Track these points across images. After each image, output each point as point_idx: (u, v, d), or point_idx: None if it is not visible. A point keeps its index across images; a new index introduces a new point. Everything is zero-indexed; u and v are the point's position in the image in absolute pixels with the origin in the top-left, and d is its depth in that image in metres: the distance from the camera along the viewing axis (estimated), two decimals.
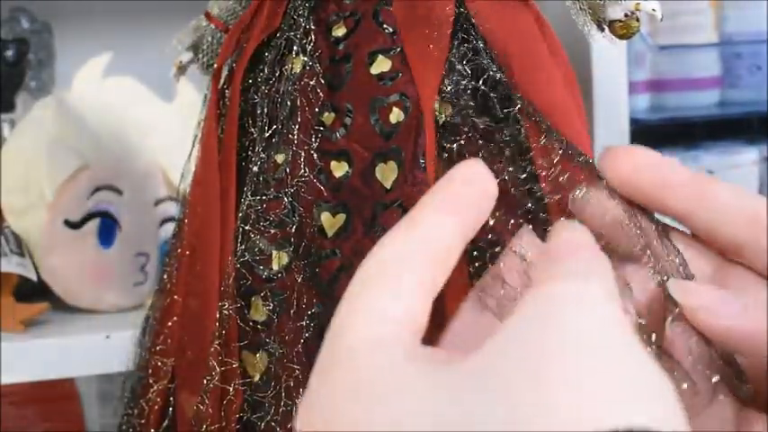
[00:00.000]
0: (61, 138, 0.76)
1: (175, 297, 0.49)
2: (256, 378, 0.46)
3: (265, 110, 0.48)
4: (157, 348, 0.49)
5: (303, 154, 0.46)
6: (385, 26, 0.47)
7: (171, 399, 0.49)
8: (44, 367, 0.72)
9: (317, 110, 0.47)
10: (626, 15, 0.44)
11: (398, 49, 0.46)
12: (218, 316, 0.46)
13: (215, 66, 0.52)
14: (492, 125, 0.44)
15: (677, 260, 0.35)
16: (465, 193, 0.31)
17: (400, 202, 0.45)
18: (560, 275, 0.29)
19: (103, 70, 0.82)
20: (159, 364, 0.49)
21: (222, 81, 0.51)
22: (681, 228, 0.37)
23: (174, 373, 0.49)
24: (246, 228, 0.46)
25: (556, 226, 0.33)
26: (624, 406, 0.24)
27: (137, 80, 0.83)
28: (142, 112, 0.82)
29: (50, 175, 0.75)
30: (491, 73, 0.44)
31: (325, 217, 0.46)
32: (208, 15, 0.57)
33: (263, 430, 0.45)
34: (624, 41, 0.45)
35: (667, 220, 0.37)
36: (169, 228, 0.77)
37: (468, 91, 0.45)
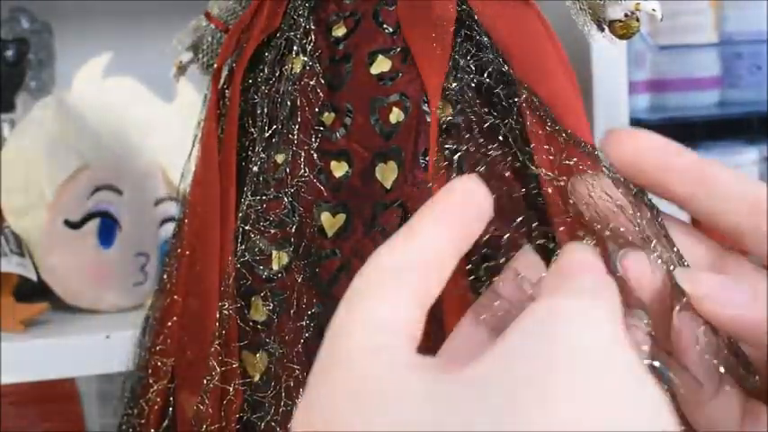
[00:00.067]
0: (61, 138, 0.76)
1: (175, 297, 0.49)
2: (256, 378, 0.46)
3: (265, 110, 0.48)
4: (157, 348, 0.49)
5: (303, 154, 0.46)
6: (385, 26, 0.47)
7: (171, 399, 0.49)
8: (44, 367, 0.72)
9: (316, 110, 0.47)
10: (626, 15, 0.44)
11: (398, 49, 0.46)
12: (218, 316, 0.46)
13: (215, 66, 0.52)
14: (495, 120, 0.44)
15: (674, 250, 0.35)
16: (461, 208, 0.32)
17: (400, 201, 0.45)
18: (569, 291, 0.29)
19: (103, 70, 0.82)
20: (159, 363, 0.49)
21: (222, 81, 0.51)
22: (679, 218, 0.37)
23: (173, 373, 0.49)
24: (246, 228, 0.46)
25: (566, 246, 0.33)
26: (624, 423, 0.25)
27: (137, 80, 0.83)
28: (142, 112, 0.82)
29: (50, 175, 0.75)
30: (495, 66, 0.44)
31: (325, 217, 0.46)
32: (208, 15, 0.57)
33: (263, 430, 0.45)
34: (624, 41, 0.45)
35: (666, 207, 0.37)
36: (169, 228, 0.77)
37: (473, 87, 0.45)
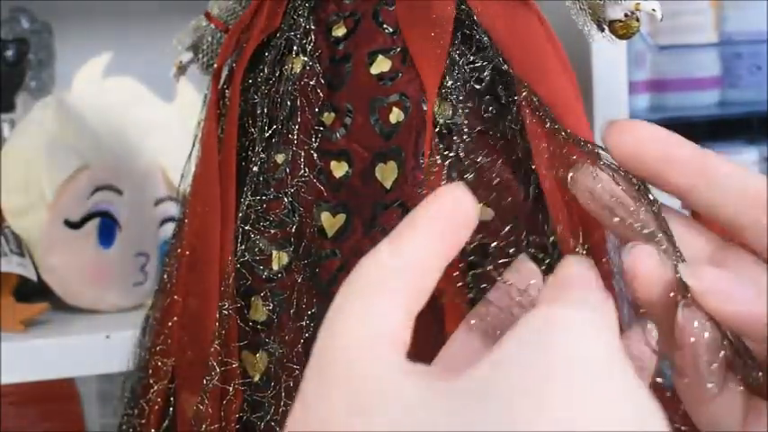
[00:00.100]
0: (61, 138, 0.76)
1: (175, 297, 0.49)
2: (256, 378, 0.46)
3: (265, 110, 0.48)
4: (157, 348, 0.49)
5: (303, 154, 0.46)
6: (385, 26, 0.47)
7: (171, 399, 0.49)
8: (44, 367, 0.72)
9: (316, 110, 0.47)
10: (626, 15, 0.44)
11: (398, 49, 0.46)
12: (218, 316, 0.46)
13: (215, 66, 0.52)
14: (494, 120, 0.44)
15: (675, 245, 0.35)
16: (449, 215, 0.32)
17: (400, 202, 0.45)
18: (566, 302, 0.29)
19: (103, 70, 0.82)
20: (159, 364, 0.49)
21: (222, 81, 0.51)
22: (679, 210, 0.37)
23: (174, 373, 0.49)
24: (246, 228, 0.46)
25: (564, 260, 0.33)
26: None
27: (137, 80, 0.83)
28: (142, 112, 0.82)
29: (50, 175, 0.75)
30: (495, 65, 0.44)
31: (325, 217, 0.46)
32: (208, 15, 0.57)
33: (262, 430, 0.45)
34: (624, 41, 0.45)
35: (666, 201, 0.37)
36: (169, 228, 0.77)
37: (472, 87, 0.45)
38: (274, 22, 0.49)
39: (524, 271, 0.35)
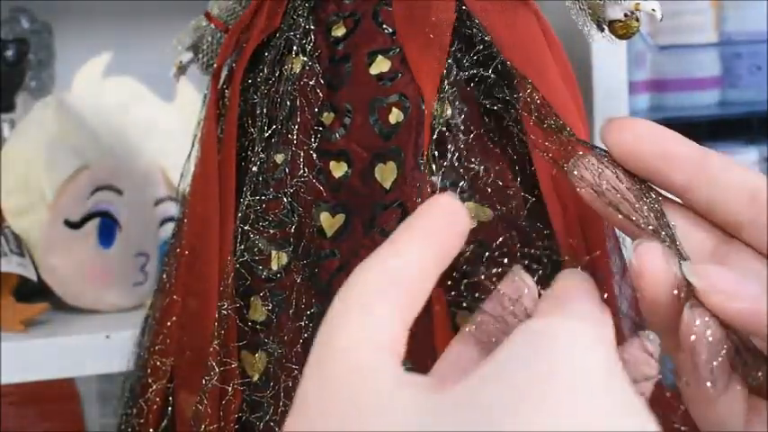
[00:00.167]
0: (61, 138, 0.76)
1: (175, 297, 0.49)
2: (255, 378, 0.46)
3: (265, 110, 0.48)
4: (156, 348, 0.49)
5: (302, 154, 0.46)
6: (384, 26, 0.47)
7: (170, 398, 0.49)
8: (44, 367, 0.71)
9: (316, 110, 0.46)
10: (626, 15, 0.44)
11: (398, 50, 0.46)
12: (217, 316, 0.46)
13: (215, 66, 0.52)
14: (494, 119, 0.44)
15: (677, 243, 0.35)
16: (441, 224, 0.32)
17: (400, 202, 0.45)
18: (565, 313, 0.29)
19: (103, 70, 0.82)
20: (158, 363, 0.49)
21: (222, 81, 0.51)
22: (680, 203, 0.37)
23: (173, 373, 0.49)
24: (246, 228, 0.46)
25: (562, 273, 0.34)
26: None
27: (137, 80, 0.83)
28: (142, 112, 0.82)
29: (50, 175, 0.75)
30: (495, 63, 0.44)
31: (325, 217, 0.46)
32: (208, 15, 0.57)
33: (261, 430, 0.45)
34: (624, 41, 0.45)
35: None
36: (169, 228, 0.77)
37: (471, 88, 0.45)
38: (274, 22, 0.49)
39: (518, 281, 0.35)
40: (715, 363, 0.33)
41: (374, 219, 0.45)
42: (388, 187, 0.45)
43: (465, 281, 0.38)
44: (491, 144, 0.44)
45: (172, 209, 0.79)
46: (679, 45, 1.08)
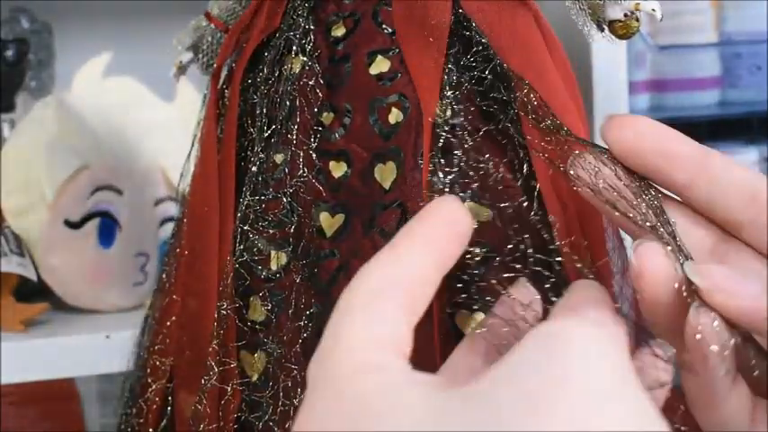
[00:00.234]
0: (61, 138, 0.76)
1: (174, 297, 0.49)
2: (254, 378, 0.46)
3: (264, 110, 0.48)
4: (156, 348, 0.49)
5: (302, 154, 0.46)
6: (384, 26, 0.47)
7: (169, 398, 0.49)
8: (44, 367, 0.72)
9: (316, 110, 0.46)
10: (626, 15, 0.44)
11: (398, 50, 0.46)
12: (216, 316, 0.46)
13: (215, 66, 0.52)
14: (494, 119, 0.44)
15: (678, 242, 0.35)
16: (444, 228, 0.32)
17: (399, 202, 0.45)
18: (581, 318, 0.29)
19: (103, 70, 0.82)
20: (158, 363, 0.49)
21: (222, 81, 0.51)
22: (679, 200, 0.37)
23: (172, 373, 0.49)
24: (245, 228, 0.46)
25: (576, 283, 0.34)
26: None
27: (137, 80, 0.83)
28: (142, 112, 0.82)
29: (50, 175, 0.75)
30: (494, 63, 0.44)
31: (324, 217, 0.46)
32: (208, 15, 0.57)
33: (260, 430, 0.45)
34: (624, 41, 0.45)
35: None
36: (169, 228, 0.77)
37: (470, 88, 0.45)
38: (274, 23, 0.49)
39: (527, 289, 0.35)
40: (722, 362, 0.32)
41: (374, 219, 0.45)
42: (387, 187, 0.45)
43: (475, 284, 0.38)
44: (490, 144, 0.44)
45: (172, 209, 0.79)
46: (679, 45, 1.08)
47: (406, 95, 0.45)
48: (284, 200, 0.46)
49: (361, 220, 0.45)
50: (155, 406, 0.49)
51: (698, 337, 0.32)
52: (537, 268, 0.38)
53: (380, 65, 0.46)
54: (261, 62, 0.49)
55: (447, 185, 0.42)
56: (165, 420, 0.49)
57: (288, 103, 0.47)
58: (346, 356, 0.28)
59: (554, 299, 0.35)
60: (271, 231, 0.46)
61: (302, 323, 0.45)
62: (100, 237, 0.77)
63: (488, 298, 0.37)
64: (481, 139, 0.44)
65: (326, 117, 0.47)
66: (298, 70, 0.47)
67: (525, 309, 0.34)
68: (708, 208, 0.36)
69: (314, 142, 0.46)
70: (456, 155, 0.43)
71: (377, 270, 0.31)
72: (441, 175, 0.42)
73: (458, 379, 0.31)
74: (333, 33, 0.48)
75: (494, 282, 0.37)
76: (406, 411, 0.26)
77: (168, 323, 0.49)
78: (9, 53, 0.91)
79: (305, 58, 0.47)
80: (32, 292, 0.77)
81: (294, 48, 0.48)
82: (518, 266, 0.38)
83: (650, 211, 0.35)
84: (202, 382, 0.45)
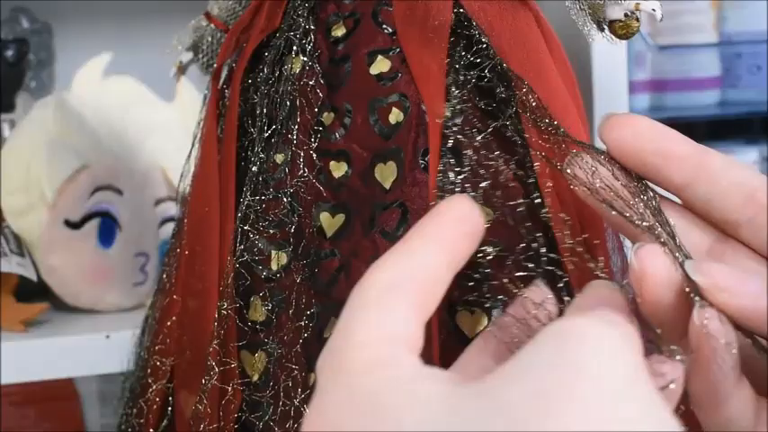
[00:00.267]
0: (61, 138, 0.76)
1: (174, 297, 0.49)
2: (255, 378, 0.46)
3: (265, 110, 0.48)
4: (156, 348, 0.49)
5: (302, 154, 0.46)
6: (384, 26, 0.47)
7: (170, 398, 0.49)
8: (44, 367, 0.71)
9: (316, 110, 0.46)
10: (626, 15, 0.44)
11: (398, 50, 0.46)
12: (216, 316, 0.46)
13: (215, 66, 0.52)
14: (494, 118, 0.44)
15: (677, 241, 0.35)
16: (455, 226, 0.32)
17: (400, 202, 0.45)
18: (588, 317, 0.29)
19: (103, 70, 0.82)
20: (158, 363, 0.49)
21: (222, 81, 0.51)
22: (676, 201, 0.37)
23: (172, 373, 0.49)
24: (246, 228, 0.46)
25: (592, 283, 0.34)
26: None
27: (137, 80, 0.83)
28: (142, 112, 0.82)
29: (50, 175, 0.75)
30: (494, 63, 0.44)
31: (325, 217, 0.46)
32: (208, 15, 0.57)
33: (261, 430, 0.45)
34: (624, 41, 0.45)
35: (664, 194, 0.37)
36: (169, 228, 0.77)
37: (471, 88, 0.45)
38: (274, 23, 0.49)
39: (539, 288, 0.35)
40: (728, 362, 0.32)
41: (374, 219, 0.45)
42: (387, 187, 0.45)
43: (487, 283, 0.38)
44: (499, 142, 0.44)
45: (172, 209, 0.79)
46: (679, 45, 1.08)
47: (407, 95, 0.45)
48: (285, 200, 0.46)
49: (361, 220, 0.45)
50: (155, 406, 0.49)
51: (705, 331, 0.32)
52: (550, 267, 0.38)
53: (381, 65, 0.46)
54: (261, 62, 0.49)
55: (458, 185, 0.41)
56: (165, 420, 0.49)
57: (288, 103, 0.47)
58: (359, 351, 0.28)
59: (567, 298, 0.35)
60: (271, 231, 0.46)
61: (303, 323, 0.45)
62: (100, 237, 0.77)
63: (500, 297, 0.37)
64: (490, 137, 0.44)
65: (327, 117, 0.47)
66: (298, 70, 0.47)
67: (538, 308, 0.34)
68: (706, 208, 0.36)
69: (314, 142, 0.46)
70: (466, 154, 0.43)
71: (390, 267, 0.31)
72: (451, 175, 0.42)
73: (471, 373, 0.31)
74: (333, 33, 0.48)
75: (505, 281, 0.37)
76: (419, 406, 0.26)
77: (169, 323, 0.49)
78: (9, 53, 0.91)
79: (305, 59, 0.47)
80: (32, 292, 0.77)
81: (294, 48, 0.48)
82: (530, 265, 0.38)
83: (648, 211, 0.35)
84: (203, 382, 0.45)
